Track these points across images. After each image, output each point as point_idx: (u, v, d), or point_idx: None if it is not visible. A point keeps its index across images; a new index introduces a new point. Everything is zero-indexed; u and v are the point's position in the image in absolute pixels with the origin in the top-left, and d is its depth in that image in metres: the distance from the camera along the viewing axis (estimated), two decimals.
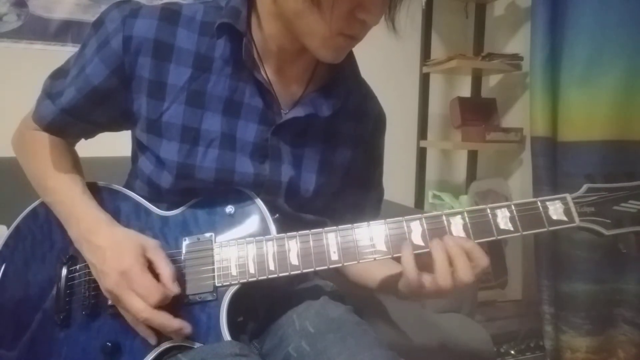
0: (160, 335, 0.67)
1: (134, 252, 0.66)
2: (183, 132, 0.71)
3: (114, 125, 0.78)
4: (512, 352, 1.68)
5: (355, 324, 0.70)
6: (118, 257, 0.66)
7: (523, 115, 1.93)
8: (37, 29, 1.60)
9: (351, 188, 0.86)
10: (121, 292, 0.64)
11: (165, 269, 0.66)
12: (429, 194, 2.16)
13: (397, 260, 0.67)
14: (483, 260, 0.63)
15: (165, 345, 0.67)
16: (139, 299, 0.63)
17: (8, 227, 0.80)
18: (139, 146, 0.77)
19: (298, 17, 0.64)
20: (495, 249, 1.97)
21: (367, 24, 0.64)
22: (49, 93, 0.75)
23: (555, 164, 1.57)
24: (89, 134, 0.81)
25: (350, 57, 0.78)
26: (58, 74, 0.76)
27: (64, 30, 1.63)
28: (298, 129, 0.75)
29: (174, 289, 0.65)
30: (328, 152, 0.79)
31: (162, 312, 0.64)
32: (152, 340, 0.67)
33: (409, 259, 0.64)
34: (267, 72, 0.74)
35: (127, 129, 0.78)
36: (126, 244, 0.67)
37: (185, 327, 0.65)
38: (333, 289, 0.84)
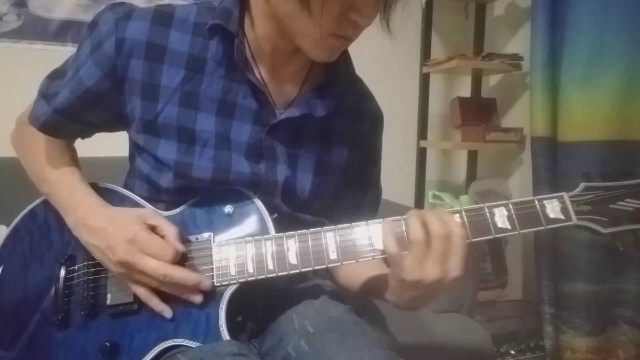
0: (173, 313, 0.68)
1: (134, 221, 0.68)
2: (179, 132, 0.71)
3: (109, 126, 0.78)
4: (512, 352, 1.68)
5: (354, 323, 0.70)
6: (121, 228, 0.67)
7: (523, 115, 1.93)
8: (37, 29, 1.60)
9: (349, 188, 0.85)
10: (134, 258, 0.65)
11: (169, 229, 0.68)
12: (429, 194, 2.15)
13: None
14: (456, 228, 0.61)
15: (164, 344, 0.67)
16: (154, 259, 0.65)
17: (8, 227, 0.80)
18: (135, 147, 0.77)
19: (289, 18, 0.64)
20: (495, 249, 1.97)
21: (360, 25, 0.64)
22: (45, 94, 0.75)
23: (555, 164, 1.57)
24: (84, 134, 0.81)
25: (345, 56, 0.78)
26: (55, 75, 0.77)
27: (64, 30, 1.63)
28: (293, 129, 0.75)
29: (180, 247, 0.67)
30: (324, 152, 0.79)
31: (179, 266, 0.66)
32: (168, 313, 0.68)
33: (388, 233, 0.63)
34: (262, 72, 0.74)
35: (122, 129, 0.78)
36: (125, 218, 0.69)
37: (204, 280, 0.67)
38: (332, 289, 0.84)
